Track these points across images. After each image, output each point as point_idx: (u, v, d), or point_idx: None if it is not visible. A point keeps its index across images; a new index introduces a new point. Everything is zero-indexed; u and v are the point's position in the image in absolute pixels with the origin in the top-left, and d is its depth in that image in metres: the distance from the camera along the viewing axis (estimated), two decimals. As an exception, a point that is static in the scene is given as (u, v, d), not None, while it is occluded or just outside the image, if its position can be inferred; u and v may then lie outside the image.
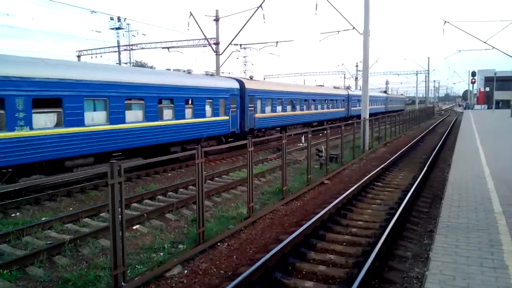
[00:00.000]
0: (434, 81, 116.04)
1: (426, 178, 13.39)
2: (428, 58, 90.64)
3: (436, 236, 6.30)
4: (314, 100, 31.96)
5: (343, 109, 39.50)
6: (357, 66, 67.46)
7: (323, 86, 46.11)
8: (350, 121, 25.51)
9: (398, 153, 18.64)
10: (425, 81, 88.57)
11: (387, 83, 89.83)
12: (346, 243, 7.69)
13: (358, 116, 27.70)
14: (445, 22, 33.23)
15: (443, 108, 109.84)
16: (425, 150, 21.44)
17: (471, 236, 6.18)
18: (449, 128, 35.04)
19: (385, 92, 64.94)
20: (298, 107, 28.99)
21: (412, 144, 22.85)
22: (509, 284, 4.56)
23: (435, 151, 19.13)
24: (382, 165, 15.23)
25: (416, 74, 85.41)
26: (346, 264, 6.65)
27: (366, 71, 22.15)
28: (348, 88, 41.27)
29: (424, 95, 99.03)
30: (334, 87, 43.89)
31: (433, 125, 40.67)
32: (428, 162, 15.72)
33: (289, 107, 27.51)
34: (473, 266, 5.08)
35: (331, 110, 36.43)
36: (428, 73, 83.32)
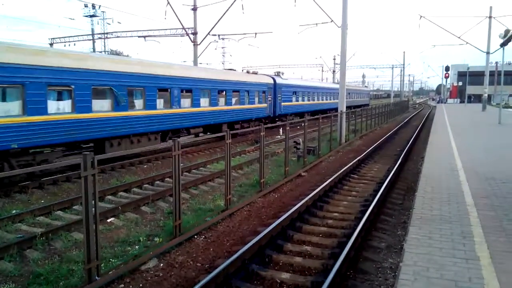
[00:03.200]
0: (409, 75, 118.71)
1: (400, 170, 13.65)
2: (404, 52, 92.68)
3: (410, 227, 6.42)
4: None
5: (264, 104, 27.68)
6: (334, 59, 68.10)
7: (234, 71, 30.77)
8: (278, 123, 25.95)
9: (374, 146, 18.93)
10: (401, 75, 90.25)
11: (363, 76, 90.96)
12: (322, 234, 7.77)
13: (297, 115, 33.58)
14: (421, 16, 33.92)
15: (417, 101, 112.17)
16: (399, 142, 21.86)
17: (444, 227, 6.33)
18: (422, 121, 35.82)
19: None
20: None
21: (387, 137, 23.25)
22: (480, 275, 4.69)
23: (409, 144, 19.52)
24: (358, 158, 15.44)
25: (392, 68, 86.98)
26: (322, 255, 6.71)
27: (344, 64, 22.34)
28: (278, 74, 33.40)
29: (399, 89, 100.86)
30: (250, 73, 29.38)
31: (407, 118, 41.51)
32: (402, 155, 16.03)
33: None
34: (446, 257, 5.20)
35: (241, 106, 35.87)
36: (403, 67, 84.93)
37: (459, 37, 37.51)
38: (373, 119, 31.39)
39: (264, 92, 27.07)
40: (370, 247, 7.12)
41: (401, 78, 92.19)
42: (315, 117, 18.56)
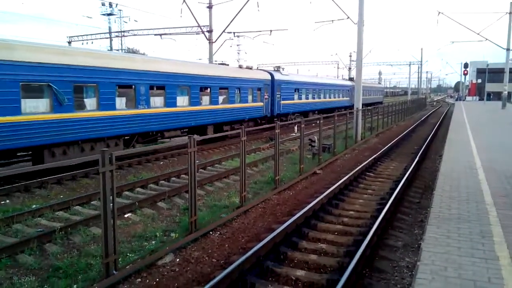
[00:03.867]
0: (427, 72, 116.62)
1: (417, 169, 13.47)
2: (421, 49, 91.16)
3: (427, 226, 6.34)
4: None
5: (260, 103, 25.12)
6: (350, 56, 67.45)
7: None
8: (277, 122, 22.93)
9: (390, 144, 18.72)
10: (418, 72, 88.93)
11: (380, 73, 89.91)
12: (337, 232, 7.72)
13: (300, 114, 30.47)
14: (439, 13, 33.30)
15: (435, 99, 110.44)
16: (416, 141, 21.56)
17: (462, 227, 6.23)
18: (440, 119, 35.25)
19: (351, 79, 49.19)
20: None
21: (404, 135, 22.96)
22: (500, 275, 4.60)
23: (426, 142, 19.24)
24: (374, 156, 15.28)
25: (409, 65, 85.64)
26: (337, 253, 6.68)
27: (360, 61, 22.13)
28: (277, 69, 29.76)
29: (417, 86, 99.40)
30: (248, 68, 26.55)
31: (425, 116, 40.88)
32: (420, 153, 15.81)
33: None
34: (464, 257, 5.12)
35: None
36: (421, 64, 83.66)
37: (478, 34, 36.67)
38: (389, 117, 31.01)
39: (259, 89, 24.40)
40: (387, 245, 7.06)
41: (418, 75, 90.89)
42: (330, 114, 18.04)
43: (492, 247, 5.41)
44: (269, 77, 26.06)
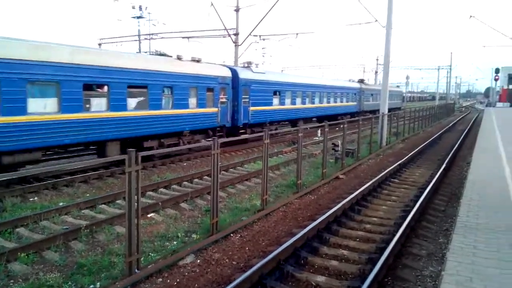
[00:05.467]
0: (456, 77, 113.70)
1: (444, 176, 13.14)
2: (451, 53, 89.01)
3: (453, 235, 6.17)
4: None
5: (214, 109, 18.73)
6: (377, 59, 66.45)
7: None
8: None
9: (416, 150, 18.33)
10: (447, 76, 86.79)
11: (407, 77, 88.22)
12: (359, 239, 7.62)
13: (285, 122, 26.30)
14: (471, 16, 32.42)
15: (464, 105, 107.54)
16: (443, 147, 21.03)
17: (490, 237, 6.03)
18: (469, 126, 34.29)
19: (361, 81, 42.87)
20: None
21: (430, 141, 22.43)
22: (528, 288, 4.44)
23: (454, 149, 18.74)
24: (399, 162, 15.01)
25: (438, 69, 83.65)
26: (359, 260, 6.59)
27: (387, 65, 21.81)
28: (248, 65, 22.73)
29: (445, 91, 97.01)
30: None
31: (452, 122, 39.85)
32: (447, 160, 15.42)
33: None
34: (491, 268, 4.95)
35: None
36: (450, 68, 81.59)
37: (511, 38, 35.55)
38: (416, 122, 30.38)
39: (212, 89, 18.00)
40: (410, 254, 6.92)
41: (447, 79, 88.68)
42: (355, 119, 17.13)
43: (521, 259, 5.22)
44: (228, 74, 19.49)
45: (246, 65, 22.78)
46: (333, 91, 32.47)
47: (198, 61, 18.29)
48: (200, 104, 17.34)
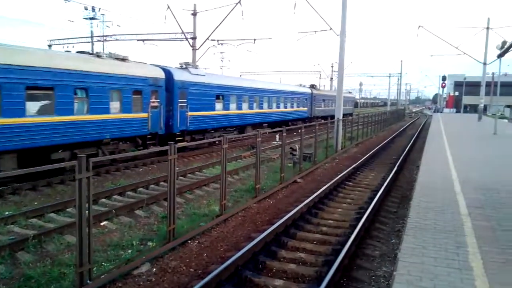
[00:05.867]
0: (406, 84, 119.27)
1: (395, 179, 13.67)
2: (401, 61, 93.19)
3: (404, 236, 6.42)
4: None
5: (142, 114, 16.69)
6: (332, 66, 68.33)
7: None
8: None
9: (369, 154, 18.96)
10: (397, 83, 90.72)
11: (360, 84, 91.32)
12: (316, 241, 7.75)
13: (231, 128, 23.81)
14: (419, 26, 34.16)
15: (414, 110, 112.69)
16: (395, 151, 21.91)
17: (438, 237, 6.33)
18: (418, 130, 35.94)
19: (313, 86, 42.19)
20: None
21: (382, 145, 23.31)
22: (474, 285, 4.68)
23: (404, 153, 19.57)
24: (354, 165, 15.46)
25: (389, 76, 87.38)
26: (316, 262, 6.69)
27: (341, 72, 22.43)
28: (185, 66, 20.58)
29: (396, 97, 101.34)
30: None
31: (403, 127, 41.64)
32: (398, 163, 16.06)
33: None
34: (439, 267, 5.19)
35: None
36: (400, 76, 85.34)
37: (456, 48, 37.70)
38: (369, 127, 31.46)
39: (140, 92, 16.15)
40: (364, 255, 7.11)
41: (398, 86, 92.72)
42: (311, 123, 17.44)
43: (467, 257, 5.51)
44: (161, 75, 17.59)
45: (183, 65, 20.65)
46: (283, 96, 31.46)
47: (124, 59, 16.17)
48: (125, 109, 15.38)
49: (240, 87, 24.85)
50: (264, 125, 29.28)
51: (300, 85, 41.74)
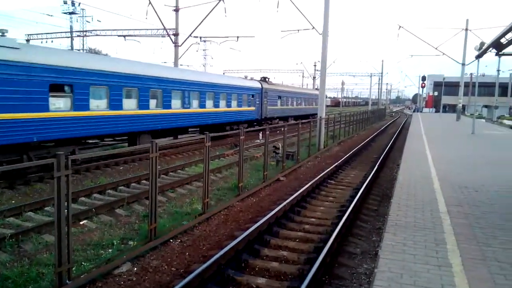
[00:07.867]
0: (387, 83, 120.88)
1: (376, 177, 13.84)
2: (382, 61, 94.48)
3: (385, 234, 6.50)
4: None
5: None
6: (315, 65, 68.73)
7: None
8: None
9: (351, 152, 19.15)
10: (378, 83, 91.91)
11: (342, 83, 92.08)
12: (299, 239, 7.78)
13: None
14: (400, 27, 34.64)
15: (394, 110, 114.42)
16: (376, 149, 22.19)
17: (418, 234, 6.43)
18: (399, 129, 36.51)
19: (264, 80, 32.78)
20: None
21: (364, 143, 23.58)
22: (452, 282, 4.77)
23: (385, 151, 19.84)
24: (336, 163, 15.58)
25: (370, 76, 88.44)
26: (298, 260, 6.72)
27: (324, 71, 22.56)
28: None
29: (377, 97, 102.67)
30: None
31: (384, 126, 42.23)
32: (379, 162, 16.27)
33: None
34: (419, 264, 5.28)
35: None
36: (381, 75, 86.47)
37: (436, 48, 38.48)
38: (351, 126, 31.78)
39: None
40: (346, 252, 7.17)
41: (379, 86, 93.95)
42: (295, 122, 17.60)
43: (446, 254, 5.62)
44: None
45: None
46: (212, 91, 22.70)
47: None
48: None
49: (130, 74, 16.02)
50: (190, 130, 23.12)
51: (246, 77, 33.14)
